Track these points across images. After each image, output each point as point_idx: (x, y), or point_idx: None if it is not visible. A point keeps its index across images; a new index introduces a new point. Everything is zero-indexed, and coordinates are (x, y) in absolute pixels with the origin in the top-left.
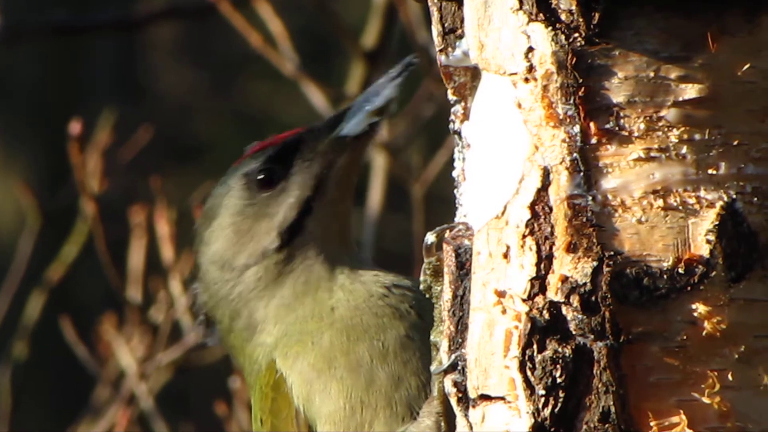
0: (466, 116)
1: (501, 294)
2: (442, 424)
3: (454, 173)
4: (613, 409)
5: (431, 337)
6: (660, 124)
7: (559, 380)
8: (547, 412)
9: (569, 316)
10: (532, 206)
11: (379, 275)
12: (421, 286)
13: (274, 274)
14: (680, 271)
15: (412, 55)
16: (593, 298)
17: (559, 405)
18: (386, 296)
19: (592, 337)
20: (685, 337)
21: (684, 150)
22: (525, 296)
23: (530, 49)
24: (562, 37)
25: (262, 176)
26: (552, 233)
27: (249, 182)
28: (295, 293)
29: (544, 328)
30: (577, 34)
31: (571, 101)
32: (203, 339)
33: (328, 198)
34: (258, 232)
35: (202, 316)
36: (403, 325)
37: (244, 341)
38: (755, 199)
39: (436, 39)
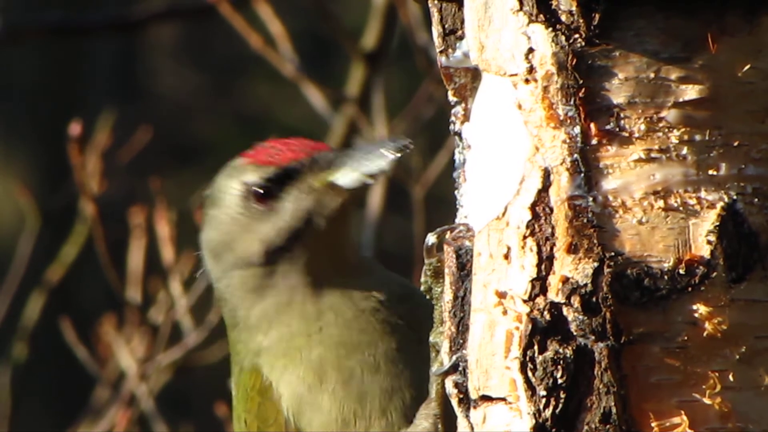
0: (466, 117)
1: (502, 295)
2: (440, 426)
3: (455, 174)
4: (614, 409)
5: (431, 338)
6: (660, 125)
7: (560, 381)
8: (548, 413)
9: (570, 317)
10: (533, 207)
11: (373, 293)
12: (422, 287)
13: (255, 285)
14: (681, 271)
15: (408, 140)
16: (594, 299)
17: (560, 406)
18: (378, 311)
19: (593, 337)
20: (686, 338)
21: (684, 151)
22: (526, 297)
23: (530, 50)
24: (563, 38)
25: (258, 191)
26: (553, 234)
27: (247, 192)
28: (277, 310)
29: (545, 329)
30: (577, 35)
31: (572, 102)
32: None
33: (319, 231)
34: (246, 240)
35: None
36: (395, 338)
37: (228, 323)
38: (756, 199)
39: (437, 40)
